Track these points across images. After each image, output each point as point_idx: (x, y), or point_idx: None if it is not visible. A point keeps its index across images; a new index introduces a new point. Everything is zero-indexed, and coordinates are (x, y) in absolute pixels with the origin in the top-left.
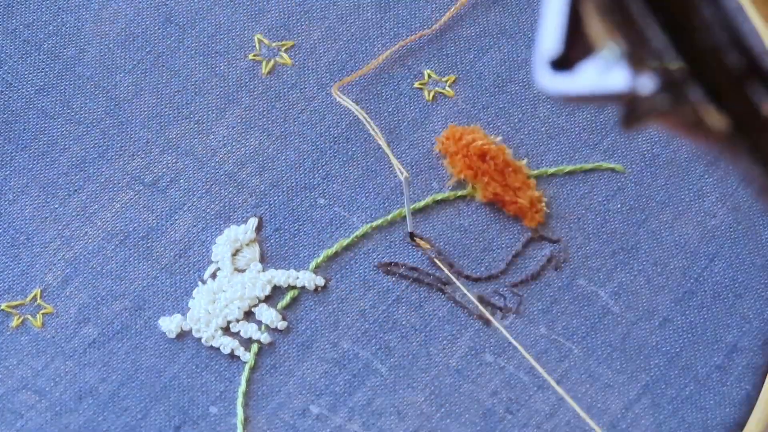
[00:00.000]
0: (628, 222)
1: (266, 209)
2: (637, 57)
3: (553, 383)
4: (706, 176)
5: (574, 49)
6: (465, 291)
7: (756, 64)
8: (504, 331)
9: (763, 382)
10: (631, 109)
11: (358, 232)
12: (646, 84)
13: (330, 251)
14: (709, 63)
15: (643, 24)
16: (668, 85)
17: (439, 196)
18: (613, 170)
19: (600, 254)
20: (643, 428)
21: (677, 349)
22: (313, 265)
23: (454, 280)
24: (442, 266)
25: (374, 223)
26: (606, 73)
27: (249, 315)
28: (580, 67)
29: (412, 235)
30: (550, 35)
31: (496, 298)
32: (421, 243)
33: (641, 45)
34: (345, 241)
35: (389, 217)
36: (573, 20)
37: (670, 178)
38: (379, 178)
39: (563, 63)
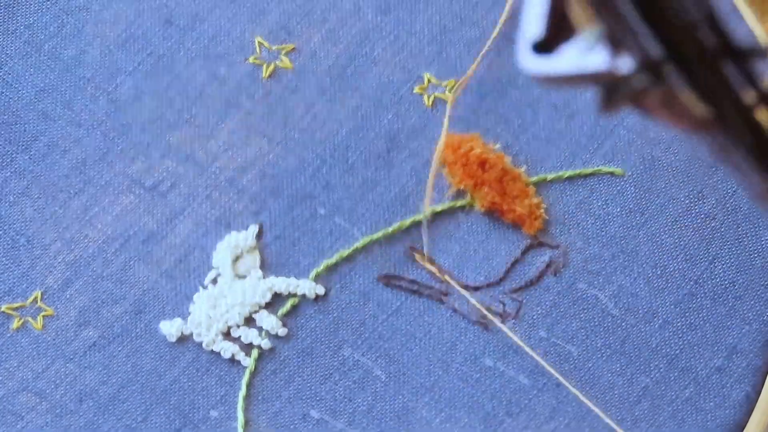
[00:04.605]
0: (628, 225)
1: (267, 216)
2: (615, 38)
3: (569, 387)
4: (706, 179)
5: (556, 33)
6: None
7: (729, 44)
8: (512, 335)
9: (763, 384)
10: (609, 90)
11: (358, 245)
12: (625, 64)
13: (330, 261)
14: (683, 42)
15: (620, 5)
16: (646, 66)
17: (439, 207)
18: (612, 174)
19: (600, 258)
20: (643, 430)
21: (677, 351)
22: (313, 274)
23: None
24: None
25: (374, 236)
26: (586, 54)
27: (249, 321)
28: (561, 50)
29: (412, 250)
30: (533, 19)
31: (496, 304)
32: (422, 260)
33: (619, 26)
34: (345, 253)
35: (390, 230)
36: (555, 4)
37: (669, 181)
38: (380, 188)
39: (545, 46)
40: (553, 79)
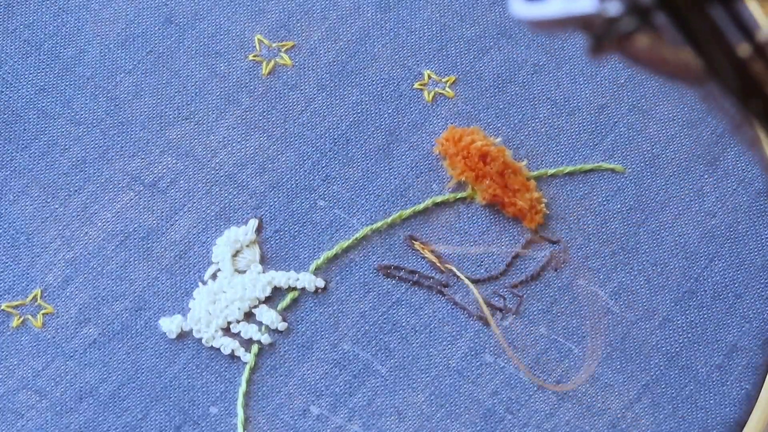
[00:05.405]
0: (628, 222)
1: (266, 210)
2: None
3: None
4: (706, 176)
5: None
6: (475, 291)
7: None
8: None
9: (763, 382)
10: (598, 34)
11: (358, 235)
12: (613, 7)
13: (330, 253)
14: None
15: None
16: (634, 9)
17: (439, 199)
18: (613, 171)
19: (600, 254)
20: (642, 428)
21: (677, 349)
22: (313, 266)
23: (462, 278)
24: (443, 268)
25: (374, 226)
26: None
27: (249, 316)
28: None
29: (412, 239)
30: None
31: (496, 298)
32: (422, 249)
33: None
34: (345, 243)
35: (389, 219)
36: None
37: (669, 179)
38: (379, 180)
39: None
40: (543, 23)
